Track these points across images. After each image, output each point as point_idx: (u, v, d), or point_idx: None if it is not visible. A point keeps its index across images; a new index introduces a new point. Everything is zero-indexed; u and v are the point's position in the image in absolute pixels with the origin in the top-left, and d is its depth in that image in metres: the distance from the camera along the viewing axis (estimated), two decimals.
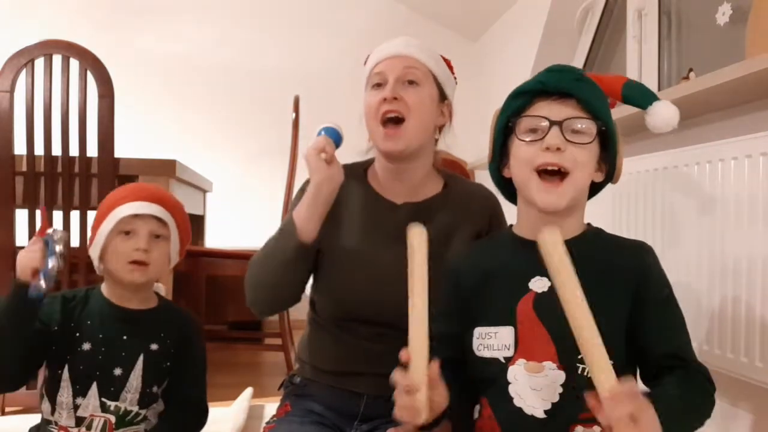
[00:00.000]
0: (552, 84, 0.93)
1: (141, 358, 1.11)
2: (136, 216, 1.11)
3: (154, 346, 1.13)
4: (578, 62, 2.94)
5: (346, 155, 1.21)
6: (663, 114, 0.99)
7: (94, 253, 1.14)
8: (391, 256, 1.14)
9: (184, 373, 1.17)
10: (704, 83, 1.48)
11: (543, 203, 0.91)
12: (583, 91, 0.93)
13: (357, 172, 1.24)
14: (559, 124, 0.90)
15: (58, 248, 1.03)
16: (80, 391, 1.08)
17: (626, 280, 0.91)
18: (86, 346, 1.09)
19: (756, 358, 1.32)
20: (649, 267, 0.94)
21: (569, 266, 0.78)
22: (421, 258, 0.86)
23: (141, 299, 1.16)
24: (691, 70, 1.94)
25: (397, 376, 0.83)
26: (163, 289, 1.25)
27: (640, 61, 2.41)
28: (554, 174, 0.91)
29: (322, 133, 1.11)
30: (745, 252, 1.36)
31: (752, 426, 1.47)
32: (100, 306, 1.14)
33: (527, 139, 0.92)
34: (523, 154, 0.93)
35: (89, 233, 1.20)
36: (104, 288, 1.16)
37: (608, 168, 0.98)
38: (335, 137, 1.12)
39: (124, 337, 1.12)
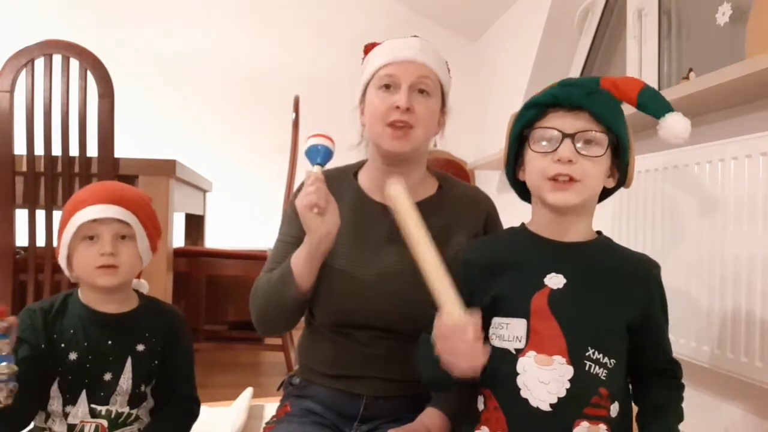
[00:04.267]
0: (564, 98, 0.95)
1: (129, 360, 1.10)
2: (96, 220, 1.07)
3: (140, 347, 1.11)
4: (578, 62, 2.94)
5: (341, 159, 1.21)
6: (674, 127, 0.99)
7: (61, 261, 1.11)
8: (382, 259, 1.14)
9: (173, 368, 1.15)
10: (704, 83, 1.49)
11: (555, 201, 0.94)
12: (595, 105, 0.94)
13: (347, 176, 1.23)
14: (571, 136, 0.92)
15: (7, 346, 0.94)
16: (70, 399, 1.07)
17: (634, 289, 0.95)
18: (73, 356, 1.07)
19: (756, 358, 1.32)
20: (657, 281, 0.98)
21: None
22: (406, 210, 0.93)
23: (120, 301, 1.13)
24: (691, 70, 1.94)
25: (438, 324, 0.89)
26: (146, 286, 1.22)
27: (640, 61, 2.41)
28: (566, 180, 0.94)
29: (317, 161, 1.08)
30: (745, 252, 1.36)
31: (752, 426, 1.47)
32: (79, 313, 1.11)
33: (540, 151, 0.95)
34: (537, 165, 0.95)
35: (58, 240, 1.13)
36: (81, 293, 1.13)
37: (620, 174, 1.00)
38: (325, 156, 1.10)
39: (110, 342, 1.09)
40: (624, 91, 1.00)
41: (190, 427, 1.18)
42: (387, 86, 1.13)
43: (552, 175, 0.93)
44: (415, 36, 1.19)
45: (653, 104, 1.01)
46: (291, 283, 1.09)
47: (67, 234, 1.09)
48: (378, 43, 1.21)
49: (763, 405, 1.44)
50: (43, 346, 1.07)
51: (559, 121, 0.94)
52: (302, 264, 1.09)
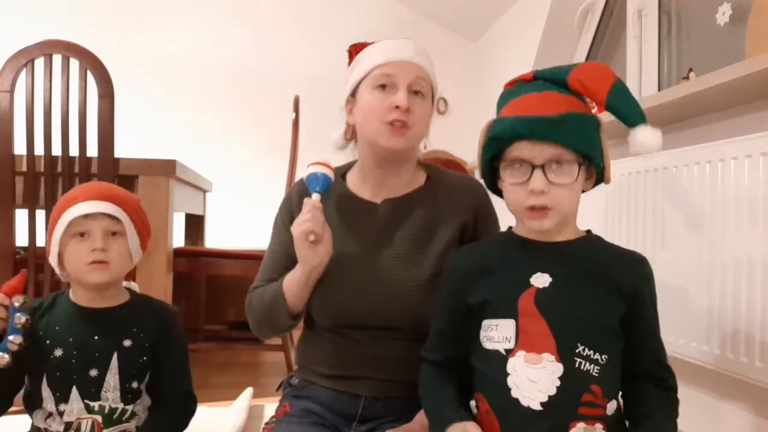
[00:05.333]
0: (526, 134, 0.92)
1: (115, 356, 1.10)
2: (86, 216, 1.08)
3: (127, 343, 1.11)
4: (578, 62, 2.94)
5: (340, 160, 1.21)
6: (644, 143, 0.96)
7: (52, 260, 1.12)
8: (373, 257, 1.14)
9: (165, 365, 1.15)
10: (704, 83, 1.48)
11: (533, 227, 0.96)
12: (561, 137, 0.91)
13: (335, 178, 1.23)
14: (541, 167, 0.91)
15: (21, 320, 1.03)
16: (61, 397, 1.07)
17: (623, 284, 0.94)
18: (58, 352, 1.08)
19: (756, 358, 1.32)
20: (646, 277, 0.98)
21: None
22: None
23: (109, 297, 1.14)
24: (691, 70, 1.94)
25: None
26: (136, 287, 1.23)
27: (640, 61, 2.41)
28: (541, 209, 0.93)
29: (316, 189, 1.09)
30: (745, 252, 1.36)
31: (752, 426, 1.47)
32: (66, 310, 1.12)
33: (513, 182, 0.94)
34: (512, 196, 0.96)
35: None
36: (72, 291, 1.15)
37: (597, 174, 0.99)
38: (324, 185, 1.10)
39: (95, 338, 1.10)
40: (592, 92, 0.96)
41: (187, 423, 1.18)
42: (383, 86, 1.12)
43: (528, 205, 0.93)
44: (407, 38, 1.18)
45: (624, 110, 0.97)
46: (282, 306, 1.12)
47: (57, 231, 1.10)
48: (365, 44, 1.20)
49: (763, 405, 1.44)
50: (28, 343, 1.07)
51: (527, 152, 0.92)
52: (293, 290, 1.11)
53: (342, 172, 1.24)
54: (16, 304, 1.03)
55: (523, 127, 0.92)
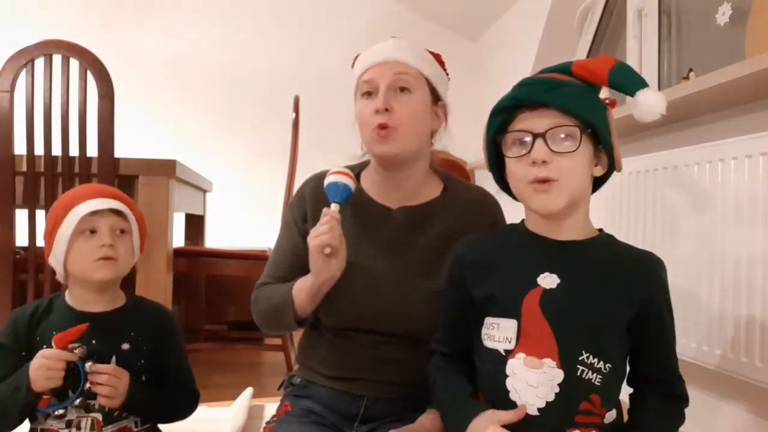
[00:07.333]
0: (525, 98, 0.92)
1: (113, 360, 1.09)
2: (95, 213, 1.09)
3: (125, 346, 1.11)
4: None
5: (341, 160, 1.20)
6: (647, 103, 0.93)
7: (56, 259, 1.11)
8: (386, 263, 1.13)
9: (165, 367, 1.15)
10: (704, 83, 1.49)
11: (539, 207, 0.92)
12: (559, 98, 0.90)
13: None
14: (542, 136, 0.89)
15: (87, 368, 1.05)
16: (62, 398, 1.07)
17: (634, 285, 0.91)
18: None
19: (756, 358, 1.32)
20: (661, 280, 0.94)
21: None
22: None
23: (108, 300, 1.14)
24: (691, 70, 1.94)
25: None
26: None
27: (640, 61, 2.42)
28: (545, 181, 0.90)
29: (336, 200, 1.07)
30: (745, 252, 1.36)
31: (752, 426, 1.47)
32: (63, 314, 1.12)
33: (514, 156, 0.92)
34: (514, 171, 0.93)
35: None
36: (69, 294, 1.14)
37: (608, 159, 0.96)
38: (344, 195, 1.08)
39: (93, 341, 1.09)
40: (594, 72, 0.95)
41: (188, 408, 1.19)
42: (368, 93, 1.13)
43: (531, 179, 0.90)
44: (393, 37, 1.18)
45: (625, 81, 0.95)
46: (290, 310, 1.12)
47: (65, 229, 1.09)
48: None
49: (763, 405, 1.44)
50: (24, 353, 1.08)
51: (528, 122, 0.91)
52: (304, 298, 1.11)
53: (357, 170, 1.22)
54: (79, 354, 1.05)
55: (522, 91, 0.93)
